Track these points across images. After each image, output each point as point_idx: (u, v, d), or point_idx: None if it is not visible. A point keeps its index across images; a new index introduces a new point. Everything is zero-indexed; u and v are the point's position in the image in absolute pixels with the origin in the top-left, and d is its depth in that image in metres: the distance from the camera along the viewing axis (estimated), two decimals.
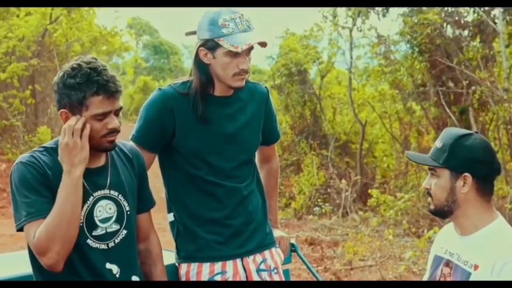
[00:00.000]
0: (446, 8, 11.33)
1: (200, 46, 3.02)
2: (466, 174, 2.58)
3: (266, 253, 3.25)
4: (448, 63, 11.10)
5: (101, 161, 2.72)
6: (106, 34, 18.38)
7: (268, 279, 3.21)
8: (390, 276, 7.85)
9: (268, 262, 3.24)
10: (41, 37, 16.30)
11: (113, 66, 26.99)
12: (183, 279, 3.15)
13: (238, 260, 3.16)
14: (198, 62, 3.06)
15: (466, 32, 11.66)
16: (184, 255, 3.18)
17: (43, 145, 2.70)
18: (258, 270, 3.19)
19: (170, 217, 3.21)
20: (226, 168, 3.12)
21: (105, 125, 2.59)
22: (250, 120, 3.19)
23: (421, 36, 11.36)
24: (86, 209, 2.63)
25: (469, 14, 11.45)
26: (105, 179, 2.70)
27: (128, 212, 2.76)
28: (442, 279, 2.69)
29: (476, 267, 2.54)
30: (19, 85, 15.60)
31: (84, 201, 2.62)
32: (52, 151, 2.63)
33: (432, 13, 11.02)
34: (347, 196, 12.45)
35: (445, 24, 11.57)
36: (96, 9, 17.51)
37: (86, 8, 16.97)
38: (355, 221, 11.44)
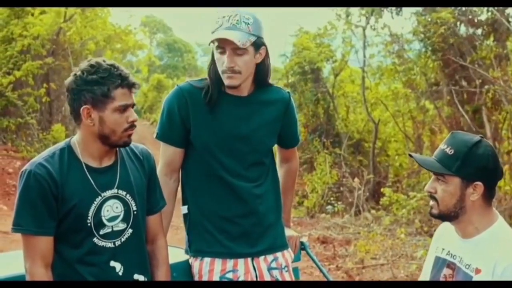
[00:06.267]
0: (459, 7, 11.29)
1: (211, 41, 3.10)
2: (478, 183, 2.59)
3: (278, 252, 3.28)
4: (461, 62, 11.06)
5: (111, 160, 2.77)
6: (120, 32, 18.48)
7: (279, 277, 3.24)
8: (401, 275, 7.86)
9: (279, 261, 3.26)
10: (55, 35, 16.39)
11: (127, 64, 27.09)
12: (196, 276, 3.18)
13: (249, 259, 3.19)
14: (212, 58, 3.13)
15: (479, 31, 11.60)
16: (195, 249, 3.21)
17: (54, 148, 2.75)
18: (269, 269, 3.22)
19: (184, 209, 3.25)
20: (236, 168, 3.15)
21: (126, 118, 2.67)
22: (265, 122, 3.21)
23: (434, 35, 11.33)
24: (94, 209, 2.68)
25: (482, 13, 11.40)
26: (113, 178, 2.75)
27: (135, 212, 2.79)
28: (443, 280, 2.70)
29: (477, 271, 2.56)
30: (34, 83, 15.72)
31: (92, 200, 2.68)
32: (62, 153, 2.70)
33: (446, 12, 10.98)
34: (360, 195, 12.44)
35: (458, 23, 11.52)
36: (110, 7, 17.61)
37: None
38: (368, 220, 11.44)
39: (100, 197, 2.70)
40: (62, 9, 15.89)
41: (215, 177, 3.14)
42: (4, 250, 7.89)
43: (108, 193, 2.72)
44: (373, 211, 11.83)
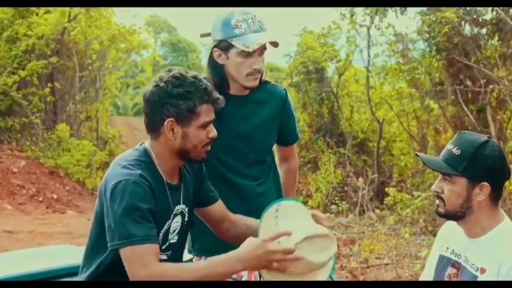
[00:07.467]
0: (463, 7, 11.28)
1: (214, 47, 3.08)
2: (485, 183, 2.57)
3: None
4: (465, 62, 11.07)
5: (179, 175, 2.70)
6: (124, 32, 18.49)
7: None
8: (406, 275, 7.84)
9: None
10: (60, 35, 16.43)
11: (132, 63, 27.11)
12: None
13: None
14: (212, 63, 3.12)
15: (484, 31, 11.60)
16: (198, 248, 3.23)
17: (135, 157, 2.58)
18: None
19: None
20: (238, 166, 3.18)
21: (207, 133, 2.59)
22: (264, 121, 3.23)
23: (439, 34, 11.32)
24: (167, 226, 2.61)
25: (487, 12, 11.39)
26: (179, 194, 2.68)
27: (186, 222, 2.73)
28: (447, 279, 2.69)
29: (483, 270, 2.55)
30: (38, 83, 15.78)
31: (168, 217, 2.61)
32: (148, 166, 2.56)
33: (450, 12, 10.96)
34: (364, 194, 12.43)
35: (463, 23, 11.52)
36: (114, 7, 17.64)
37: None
38: (372, 219, 11.42)
39: (172, 214, 2.63)
40: (67, 9, 15.94)
41: (218, 176, 3.14)
42: (9, 250, 7.91)
43: (177, 208, 2.65)
44: (377, 211, 11.80)
